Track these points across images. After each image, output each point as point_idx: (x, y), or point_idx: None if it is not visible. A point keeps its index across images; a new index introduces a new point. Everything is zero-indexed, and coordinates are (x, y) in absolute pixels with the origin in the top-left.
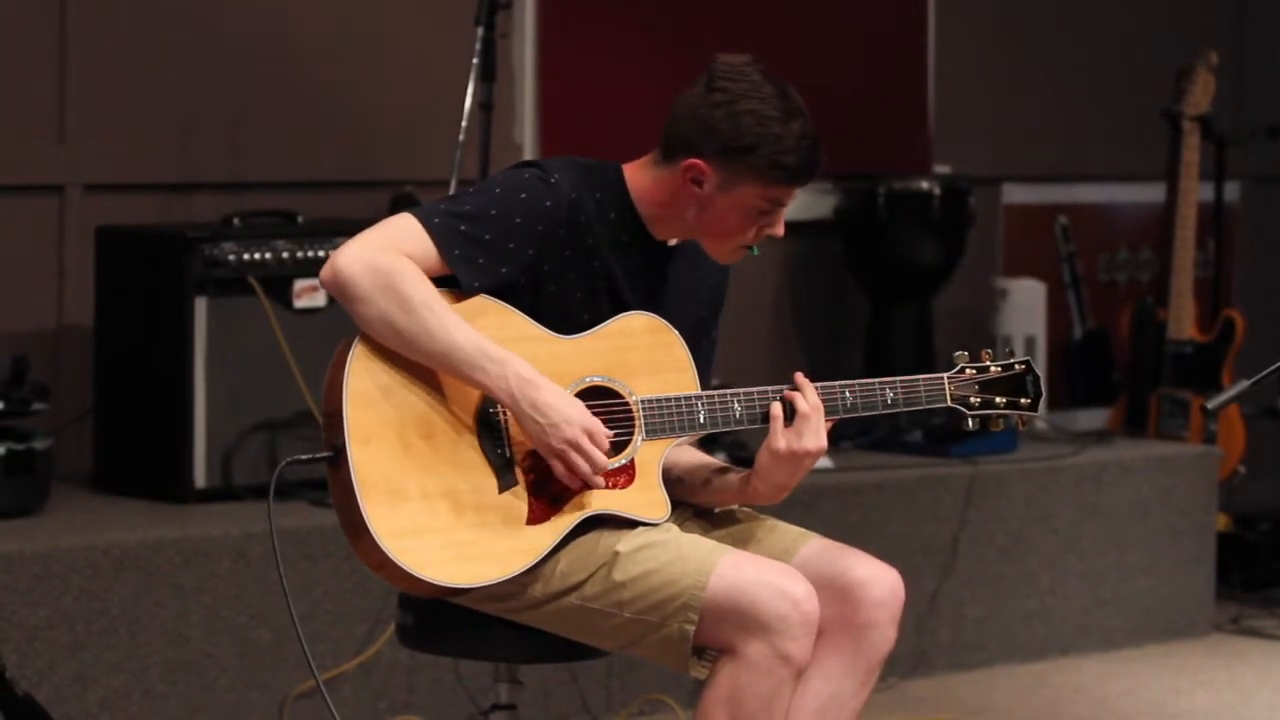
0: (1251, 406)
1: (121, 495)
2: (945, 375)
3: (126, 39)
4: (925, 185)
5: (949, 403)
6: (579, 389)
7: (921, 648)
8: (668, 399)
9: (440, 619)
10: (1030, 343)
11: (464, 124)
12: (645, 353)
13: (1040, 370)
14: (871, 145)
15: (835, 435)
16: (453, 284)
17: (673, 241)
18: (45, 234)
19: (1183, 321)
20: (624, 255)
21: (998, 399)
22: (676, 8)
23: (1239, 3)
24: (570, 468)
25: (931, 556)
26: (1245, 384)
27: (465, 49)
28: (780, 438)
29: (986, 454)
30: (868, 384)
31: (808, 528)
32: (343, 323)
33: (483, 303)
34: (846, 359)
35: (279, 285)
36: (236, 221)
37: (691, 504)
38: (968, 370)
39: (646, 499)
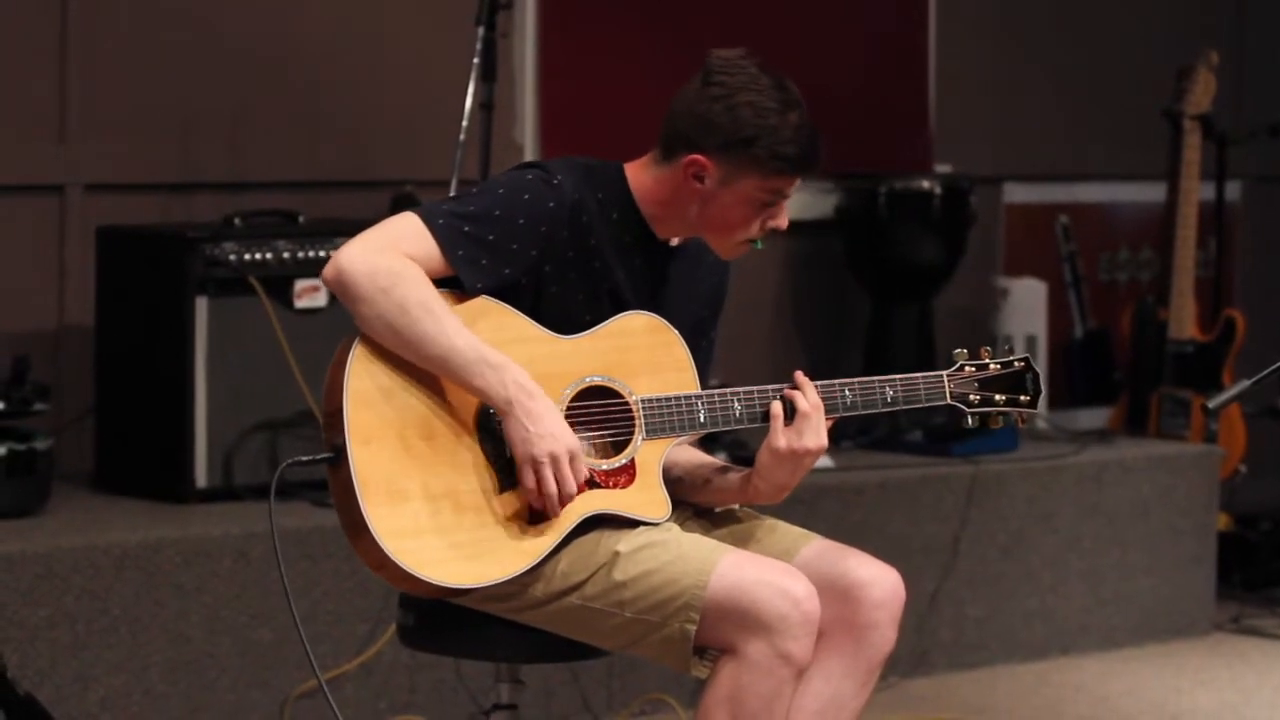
0: (1252, 406)
1: (122, 495)
2: (945, 373)
3: (126, 39)
4: (926, 185)
5: (948, 400)
6: (579, 389)
7: (922, 647)
8: (668, 398)
9: (441, 619)
10: (1031, 342)
11: (464, 124)
12: (645, 352)
13: (1041, 370)
14: (872, 145)
15: (836, 434)
16: (454, 284)
17: (674, 241)
18: (46, 234)
19: (1184, 321)
20: (626, 256)
21: (997, 396)
22: (676, 8)
23: (1239, 3)
24: (541, 482)
25: (932, 556)
26: (1246, 383)
27: (466, 49)
28: (780, 436)
29: (987, 453)
30: (868, 382)
31: (809, 527)
32: (343, 323)
33: (484, 304)
34: (847, 358)
35: (280, 285)
36: (237, 221)
37: (692, 503)
38: (967, 368)
39: (647, 499)
